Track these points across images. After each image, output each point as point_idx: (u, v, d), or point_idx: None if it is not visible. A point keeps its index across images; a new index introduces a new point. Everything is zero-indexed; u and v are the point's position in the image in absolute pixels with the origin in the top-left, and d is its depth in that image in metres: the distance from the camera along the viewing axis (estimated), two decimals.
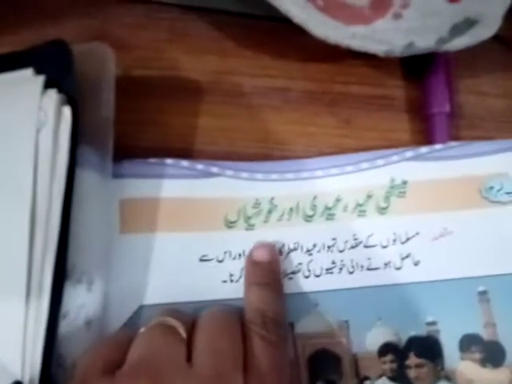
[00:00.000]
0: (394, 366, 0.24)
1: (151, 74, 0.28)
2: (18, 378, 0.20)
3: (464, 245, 0.25)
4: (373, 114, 0.27)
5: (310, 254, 0.25)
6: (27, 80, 0.23)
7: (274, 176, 0.26)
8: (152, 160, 0.26)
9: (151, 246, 0.25)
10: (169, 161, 0.26)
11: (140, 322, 0.24)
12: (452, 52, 0.24)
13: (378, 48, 0.23)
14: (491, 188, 0.25)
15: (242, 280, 0.25)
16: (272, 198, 0.26)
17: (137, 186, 0.25)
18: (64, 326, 0.21)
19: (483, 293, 0.25)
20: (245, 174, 0.26)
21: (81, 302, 0.22)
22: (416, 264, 0.25)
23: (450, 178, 0.26)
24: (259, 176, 0.26)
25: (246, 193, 0.26)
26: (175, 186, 0.25)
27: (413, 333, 0.24)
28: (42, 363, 0.20)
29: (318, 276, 0.25)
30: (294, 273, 0.25)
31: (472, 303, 0.24)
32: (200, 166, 0.26)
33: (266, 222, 0.25)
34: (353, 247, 0.25)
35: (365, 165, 0.26)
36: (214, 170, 0.26)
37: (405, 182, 0.26)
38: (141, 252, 0.25)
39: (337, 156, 0.26)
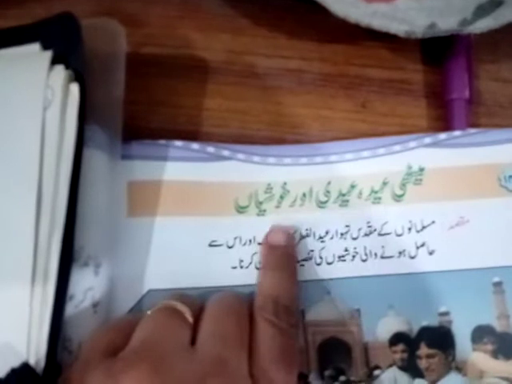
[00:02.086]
0: (405, 355, 0.23)
1: (161, 52, 0.26)
2: (24, 360, 0.18)
3: (480, 234, 0.24)
4: (390, 98, 0.26)
5: (323, 241, 0.24)
6: (34, 55, 0.22)
7: (286, 160, 0.25)
8: (162, 141, 0.24)
9: (159, 230, 0.23)
10: (179, 143, 0.24)
11: (147, 306, 0.22)
12: (473, 36, 0.23)
13: (398, 28, 0.21)
14: (511, 177, 0.24)
15: (252, 266, 0.24)
16: (284, 183, 0.24)
17: (145, 168, 0.24)
18: (70, 309, 0.20)
19: (498, 284, 0.23)
20: (257, 158, 0.25)
21: (88, 284, 0.21)
22: (431, 253, 0.24)
23: (469, 165, 0.24)
24: (272, 160, 0.25)
25: (257, 177, 0.24)
26: (185, 168, 0.24)
27: (425, 323, 0.23)
28: (48, 346, 0.19)
29: (330, 263, 0.23)
30: (305, 260, 0.24)
31: (486, 294, 0.23)
32: (211, 149, 0.24)
33: (277, 207, 0.24)
34: (367, 235, 0.24)
35: (381, 150, 0.24)
36: (225, 153, 0.25)
37: (422, 169, 0.24)
38: (148, 236, 0.23)
39: (352, 141, 0.25)
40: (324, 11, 0.23)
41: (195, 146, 0.25)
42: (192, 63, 0.26)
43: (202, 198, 0.24)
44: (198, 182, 0.24)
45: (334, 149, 0.25)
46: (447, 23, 0.21)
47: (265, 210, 0.24)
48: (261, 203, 0.24)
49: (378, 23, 0.21)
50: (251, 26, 0.26)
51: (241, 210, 0.24)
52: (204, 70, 0.26)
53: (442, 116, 0.26)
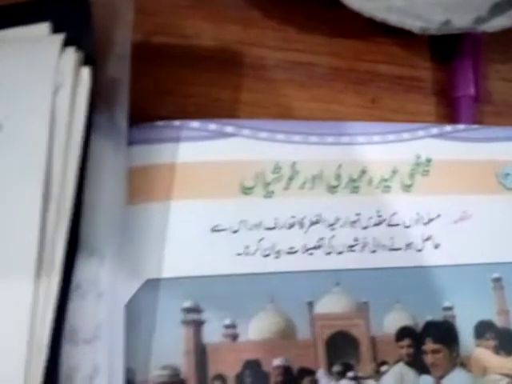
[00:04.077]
0: (411, 350, 0.22)
1: (171, 42, 0.25)
2: (24, 352, 0.17)
3: (481, 230, 0.23)
4: (399, 95, 0.26)
5: (333, 229, 0.22)
6: (45, 38, 0.21)
7: (296, 138, 0.23)
8: (159, 123, 0.23)
9: (158, 217, 0.22)
10: (177, 122, 0.23)
11: (147, 295, 0.21)
12: (484, 34, 0.23)
13: (413, 24, 0.21)
14: (507, 175, 0.24)
15: (259, 253, 0.22)
16: (294, 163, 0.23)
17: (143, 153, 0.22)
18: (75, 299, 0.19)
19: (497, 279, 0.23)
20: (264, 134, 0.23)
21: (93, 275, 0.20)
22: (436, 247, 0.23)
23: (471, 160, 0.24)
24: (280, 137, 0.23)
25: (265, 155, 0.23)
26: (185, 149, 0.22)
27: (429, 317, 0.22)
28: (52, 336, 0.17)
29: (340, 253, 0.22)
30: (314, 248, 0.22)
31: (486, 289, 0.23)
32: (212, 126, 0.23)
33: (286, 189, 0.23)
34: (376, 225, 0.23)
35: (391, 137, 0.24)
36: (229, 129, 0.23)
37: (429, 160, 0.24)
38: (147, 223, 0.21)
39: (363, 123, 0.24)
40: (335, 6, 0.23)
41: (195, 124, 0.23)
42: (201, 53, 0.26)
43: (204, 180, 0.22)
44: (199, 162, 0.22)
45: (346, 129, 0.24)
46: (462, 20, 0.21)
47: (272, 192, 0.23)
48: (268, 184, 0.23)
49: (393, 18, 0.21)
50: (262, 18, 0.26)
51: (246, 191, 0.22)
52: (213, 60, 0.26)
53: (451, 114, 0.26)
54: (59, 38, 0.20)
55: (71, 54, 0.20)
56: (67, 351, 0.18)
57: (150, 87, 0.24)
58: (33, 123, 0.19)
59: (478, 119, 0.26)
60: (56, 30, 0.21)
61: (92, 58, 0.20)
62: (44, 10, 0.21)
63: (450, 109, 0.26)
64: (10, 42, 0.21)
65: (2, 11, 0.22)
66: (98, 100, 0.21)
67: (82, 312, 0.19)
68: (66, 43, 0.20)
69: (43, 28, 0.21)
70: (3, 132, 0.19)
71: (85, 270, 0.20)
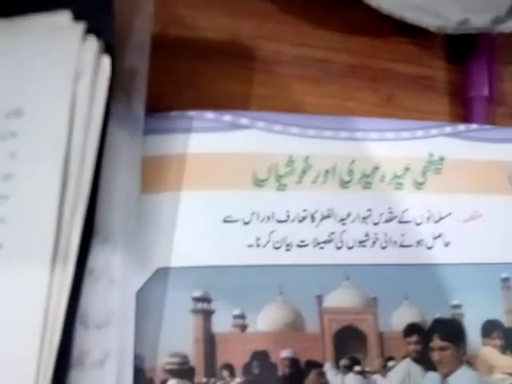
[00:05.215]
0: (419, 347, 0.22)
1: (188, 34, 0.25)
2: (39, 337, 0.17)
3: (491, 229, 0.23)
4: (414, 94, 0.25)
5: (344, 224, 0.22)
6: (66, 26, 0.21)
7: (310, 132, 0.23)
8: (174, 113, 0.22)
9: (171, 206, 0.21)
10: (192, 113, 0.22)
11: (158, 284, 0.21)
12: (500, 36, 0.23)
13: (431, 22, 0.21)
14: None
15: (270, 245, 0.22)
16: (307, 157, 0.23)
17: (157, 143, 0.22)
18: (88, 284, 0.19)
19: (506, 280, 0.23)
20: (278, 127, 0.23)
21: (106, 261, 0.20)
22: (446, 245, 0.23)
23: (483, 160, 0.24)
24: (294, 130, 0.23)
25: (278, 148, 0.23)
26: (199, 140, 0.22)
27: (438, 315, 0.22)
28: (65, 321, 0.17)
29: (350, 248, 0.22)
30: (325, 242, 0.22)
31: (495, 289, 0.23)
32: (227, 118, 0.23)
33: (299, 182, 0.22)
34: (387, 221, 0.23)
35: (405, 134, 0.24)
36: (244, 121, 0.23)
37: (442, 159, 0.24)
38: (159, 213, 0.21)
39: (378, 119, 0.24)
40: (352, 2, 0.23)
41: (210, 115, 0.23)
42: (217, 47, 0.25)
43: (217, 171, 0.22)
44: (213, 153, 0.22)
45: (360, 125, 0.24)
46: (480, 20, 0.21)
47: (285, 185, 0.22)
48: (281, 177, 0.23)
49: (411, 16, 0.21)
50: (277, 13, 0.26)
51: (259, 183, 0.22)
52: (228, 54, 0.25)
53: (464, 114, 0.26)
54: (81, 26, 0.20)
55: (92, 43, 0.20)
56: (78, 334, 0.18)
57: (166, 78, 0.24)
58: (53, 109, 0.19)
59: (491, 120, 0.25)
60: (77, 18, 0.21)
61: (112, 47, 0.20)
62: None
63: (463, 109, 0.26)
64: (32, 29, 0.21)
65: None
66: (117, 89, 0.20)
67: (93, 297, 0.19)
68: (87, 32, 0.20)
69: (65, 16, 0.21)
70: (25, 117, 0.19)
71: (98, 256, 0.20)
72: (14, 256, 0.18)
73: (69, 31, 0.20)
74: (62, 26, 0.21)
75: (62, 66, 0.20)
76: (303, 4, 0.26)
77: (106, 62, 0.20)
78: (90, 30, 0.20)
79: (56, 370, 0.17)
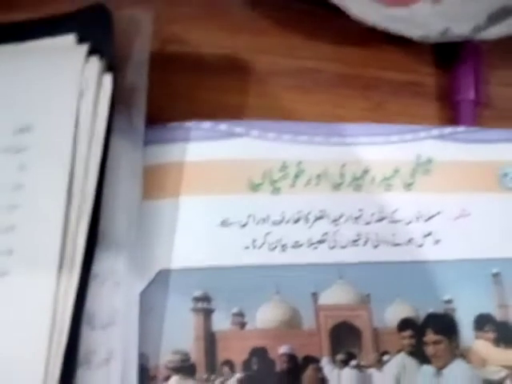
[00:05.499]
0: (413, 341, 0.22)
1: (186, 50, 0.26)
2: (47, 338, 0.18)
3: (480, 227, 0.24)
4: (403, 100, 0.26)
5: (337, 224, 0.23)
6: (71, 48, 0.23)
7: (302, 138, 0.24)
8: (172, 124, 0.24)
9: (171, 211, 0.23)
10: (189, 123, 0.24)
11: (160, 285, 0.22)
12: (485, 41, 0.24)
13: (414, 32, 0.22)
14: (505, 174, 0.25)
15: (265, 247, 0.23)
16: (299, 162, 0.24)
17: (157, 152, 0.23)
18: (94, 287, 0.20)
19: (497, 274, 0.23)
20: (272, 135, 0.24)
21: (110, 265, 0.21)
22: (436, 242, 0.23)
23: (471, 160, 0.25)
24: (287, 137, 0.24)
25: (272, 155, 0.24)
26: (197, 148, 0.23)
27: (431, 310, 0.23)
28: (72, 324, 0.19)
29: (343, 247, 0.23)
30: (319, 242, 0.23)
31: (486, 284, 0.23)
32: (223, 127, 0.24)
33: (292, 186, 0.24)
34: (378, 221, 0.23)
35: (393, 138, 0.25)
36: (239, 130, 0.24)
37: (430, 160, 0.25)
38: (160, 217, 0.23)
39: (367, 124, 0.25)
40: (341, 16, 0.24)
41: (207, 124, 0.24)
42: (213, 61, 0.27)
43: (214, 177, 0.23)
44: (210, 160, 0.23)
45: (350, 130, 0.25)
46: (461, 29, 0.21)
47: (279, 189, 0.23)
48: (275, 181, 0.24)
49: (395, 27, 0.22)
50: (270, 28, 0.27)
51: (254, 187, 0.23)
52: (224, 67, 0.27)
53: (453, 117, 0.27)
54: (84, 48, 0.22)
55: (95, 63, 0.22)
56: (85, 335, 0.19)
57: (164, 91, 0.25)
58: (59, 124, 0.21)
59: (478, 123, 0.26)
60: (81, 40, 0.23)
61: (113, 65, 0.22)
62: (70, 22, 0.23)
63: (452, 112, 0.27)
64: (40, 52, 0.23)
65: (34, 24, 0.24)
66: (118, 104, 0.22)
67: (99, 299, 0.20)
68: (90, 52, 0.22)
69: (70, 39, 0.23)
70: (34, 132, 0.21)
71: (103, 260, 0.21)
72: (23, 261, 0.19)
73: (73, 53, 0.22)
74: (67, 48, 0.23)
75: (67, 84, 0.22)
76: (295, 19, 0.28)
77: (108, 79, 0.22)
78: (92, 51, 0.22)
79: (64, 370, 0.18)
